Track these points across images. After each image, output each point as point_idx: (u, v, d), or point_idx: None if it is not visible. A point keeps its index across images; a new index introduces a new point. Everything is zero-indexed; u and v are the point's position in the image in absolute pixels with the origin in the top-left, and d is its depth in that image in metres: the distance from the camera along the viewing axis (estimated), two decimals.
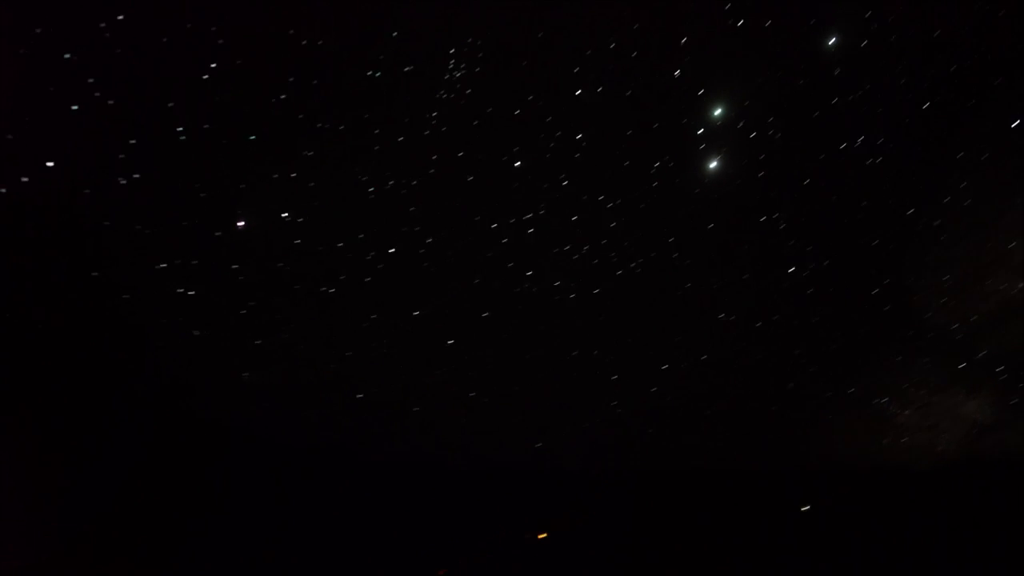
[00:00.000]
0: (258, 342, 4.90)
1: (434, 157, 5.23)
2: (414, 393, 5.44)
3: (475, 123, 5.28)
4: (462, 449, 5.65)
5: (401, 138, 5.13)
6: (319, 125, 4.82)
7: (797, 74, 5.49)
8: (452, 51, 5.09)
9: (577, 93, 5.37)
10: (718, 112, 5.53)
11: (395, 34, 4.91)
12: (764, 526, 6.36)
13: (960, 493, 6.37)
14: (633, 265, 5.80)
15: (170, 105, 4.28)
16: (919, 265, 5.87)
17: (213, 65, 4.35)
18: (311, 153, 4.82)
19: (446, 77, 5.12)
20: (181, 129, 4.34)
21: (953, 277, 5.86)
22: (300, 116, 4.73)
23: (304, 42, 4.58)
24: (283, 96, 4.63)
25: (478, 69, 5.18)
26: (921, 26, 5.29)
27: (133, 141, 4.24)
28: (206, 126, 4.42)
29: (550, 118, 5.39)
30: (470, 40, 5.09)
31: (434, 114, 5.16)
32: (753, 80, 5.52)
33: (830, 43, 5.34)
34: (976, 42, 5.28)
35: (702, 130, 5.53)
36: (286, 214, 4.83)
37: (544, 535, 5.67)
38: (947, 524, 6.26)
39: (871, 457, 6.36)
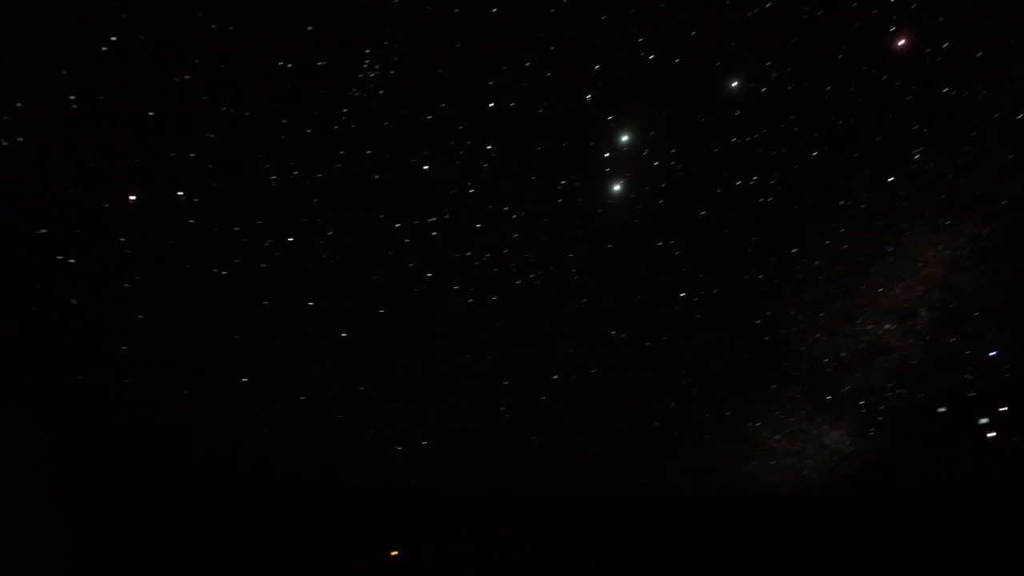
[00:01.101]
0: (140, 317, 4.88)
1: (341, 152, 5.33)
2: (301, 381, 5.49)
3: (385, 123, 5.41)
4: (345, 441, 5.72)
5: (309, 130, 5.21)
6: (223, 109, 4.85)
7: (700, 111, 5.85)
8: (367, 51, 5.21)
9: (490, 105, 5.57)
10: (625, 138, 5.82)
11: (310, 28, 5.01)
12: (638, 543, 6.61)
13: (820, 516, 6.82)
14: (532, 276, 6.02)
15: (63, 73, 4.25)
16: (798, 301, 6.29)
17: (113, 38, 4.35)
18: (212, 136, 4.84)
19: (359, 76, 5.24)
20: (73, 98, 4.32)
21: (827, 315, 6.31)
22: (204, 98, 4.76)
23: (213, 26, 4.61)
24: (187, 76, 4.65)
25: (392, 72, 5.31)
26: (814, 81, 5.73)
27: (19, 104, 4.20)
28: (101, 97, 4.40)
29: (461, 126, 5.57)
30: (386, 43, 5.23)
31: (344, 110, 5.26)
32: (660, 112, 5.84)
33: (733, 86, 5.72)
34: (860, 102, 5.76)
35: (608, 154, 5.82)
36: (181, 193, 4.84)
37: (396, 552, 5.57)
38: (806, 545, 6.68)
39: (741, 477, 6.74)
